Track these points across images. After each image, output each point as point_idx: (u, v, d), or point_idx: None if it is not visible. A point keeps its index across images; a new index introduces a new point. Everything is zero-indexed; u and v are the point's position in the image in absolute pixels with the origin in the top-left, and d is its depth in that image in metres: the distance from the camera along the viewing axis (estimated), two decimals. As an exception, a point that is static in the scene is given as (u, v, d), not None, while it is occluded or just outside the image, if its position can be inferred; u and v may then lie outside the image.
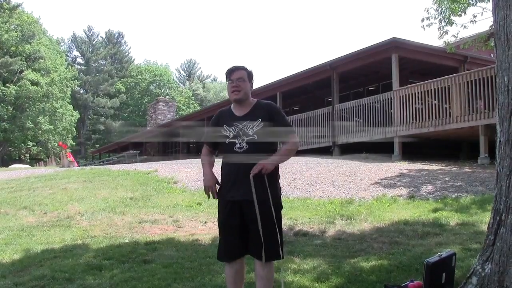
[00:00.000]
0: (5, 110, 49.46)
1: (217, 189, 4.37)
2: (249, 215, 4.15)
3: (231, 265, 4.31)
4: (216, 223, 8.47)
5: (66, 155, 36.52)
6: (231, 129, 4.30)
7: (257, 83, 59.17)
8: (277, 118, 4.33)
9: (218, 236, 4.44)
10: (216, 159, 4.55)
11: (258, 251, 4.16)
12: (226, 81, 4.42)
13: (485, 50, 17.56)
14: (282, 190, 4.34)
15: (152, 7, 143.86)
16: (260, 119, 4.26)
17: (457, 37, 16.75)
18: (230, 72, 4.37)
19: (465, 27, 16.28)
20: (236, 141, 4.25)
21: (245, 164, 4.17)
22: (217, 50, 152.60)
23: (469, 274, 4.35)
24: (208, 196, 4.37)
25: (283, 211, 4.38)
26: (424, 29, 16.95)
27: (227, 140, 4.30)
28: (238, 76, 4.35)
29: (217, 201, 4.44)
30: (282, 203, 4.43)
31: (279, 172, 4.44)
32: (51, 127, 54.77)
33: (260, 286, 4.27)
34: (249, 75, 4.43)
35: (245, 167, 4.16)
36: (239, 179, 4.21)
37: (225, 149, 4.35)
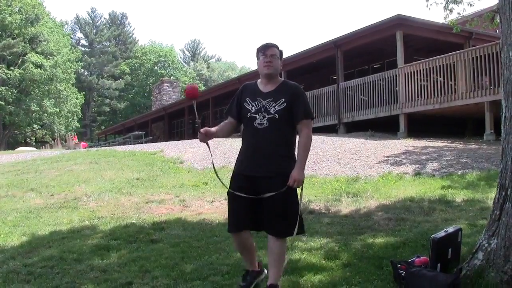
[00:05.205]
0: (9, 93, 49.39)
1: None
2: (266, 190, 4.16)
3: (237, 235, 4.40)
4: (223, 202, 8.49)
5: (72, 138, 36.68)
6: (254, 104, 4.37)
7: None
8: (298, 103, 4.33)
9: (226, 214, 4.46)
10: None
11: (271, 225, 4.22)
12: (258, 56, 4.45)
13: (491, 28, 17.42)
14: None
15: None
16: (284, 99, 4.29)
17: (463, 15, 16.56)
18: (265, 48, 4.40)
19: (471, 4, 16.12)
20: (257, 117, 4.30)
21: (263, 141, 4.26)
22: (222, 30, 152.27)
23: (475, 249, 4.35)
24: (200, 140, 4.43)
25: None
26: (429, 9, 16.82)
27: (249, 114, 4.36)
28: (272, 52, 4.38)
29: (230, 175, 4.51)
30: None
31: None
32: (57, 109, 54.75)
33: (271, 260, 4.31)
34: (280, 53, 4.47)
35: (263, 144, 4.25)
36: (255, 155, 4.27)
37: (245, 123, 4.42)
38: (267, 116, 4.27)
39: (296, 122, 4.32)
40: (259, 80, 4.53)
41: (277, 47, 4.44)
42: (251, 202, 4.23)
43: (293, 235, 4.25)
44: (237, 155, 4.59)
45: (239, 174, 4.39)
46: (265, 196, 4.14)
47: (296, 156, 4.38)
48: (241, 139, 4.51)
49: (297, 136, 4.40)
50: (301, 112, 4.32)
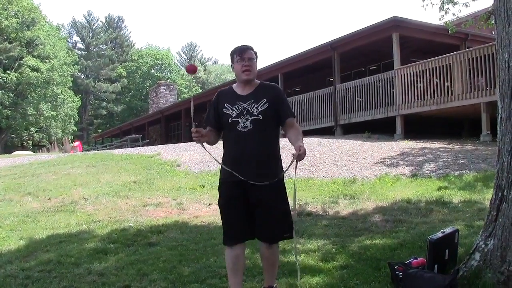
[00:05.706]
0: (6, 97, 49.32)
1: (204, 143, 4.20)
2: (255, 196, 4.05)
3: (232, 248, 4.16)
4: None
5: (69, 141, 36.55)
6: (233, 108, 4.17)
7: (258, 65, 59.16)
8: (282, 102, 4.26)
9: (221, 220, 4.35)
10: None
11: (264, 232, 4.13)
12: (234, 59, 4.26)
13: (486, 29, 17.43)
14: (285, 170, 4.24)
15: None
16: (265, 99, 4.15)
17: (458, 16, 16.55)
18: (241, 51, 4.23)
19: (466, 5, 16.13)
20: (240, 120, 4.12)
21: (249, 144, 4.08)
22: (218, 32, 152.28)
23: (472, 250, 4.37)
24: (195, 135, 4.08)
25: (287, 192, 4.29)
26: (425, 9, 16.85)
27: (230, 119, 4.15)
28: (250, 56, 4.22)
29: (218, 184, 4.34)
30: (285, 185, 4.29)
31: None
32: (53, 113, 54.72)
33: (266, 265, 4.30)
34: (256, 55, 4.32)
35: (249, 148, 4.08)
36: (243, 160, 4.09)
37: (227, 128, 4.22)
38: (250, 118, 4.11)
39: (283, 120, 4.23)
40: (234, 85, 4.39)
41: (252, 49, 4.30)
42: (246, 210, 4.09)
43: (283, 239, 4.23)
44: None
45: (227, 182, 4.18)
46: (262, 183, 3.98)
47: (280, 156, 4.31)
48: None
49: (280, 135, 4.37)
50: (287, 111, 4.27)
